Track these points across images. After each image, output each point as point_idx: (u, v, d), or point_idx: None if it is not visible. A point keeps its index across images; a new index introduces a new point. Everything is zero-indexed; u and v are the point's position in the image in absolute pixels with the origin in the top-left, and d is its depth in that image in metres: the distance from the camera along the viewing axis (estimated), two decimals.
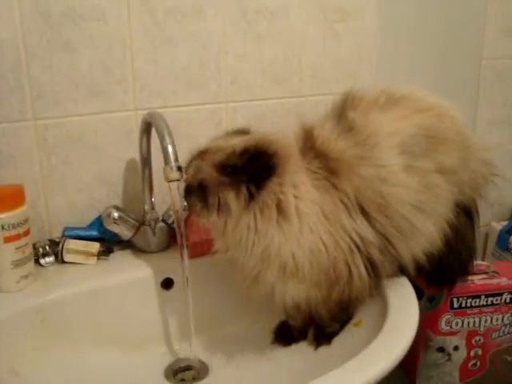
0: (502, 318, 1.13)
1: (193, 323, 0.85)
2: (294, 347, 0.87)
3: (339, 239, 0.74)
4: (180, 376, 0.87)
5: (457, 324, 1.12)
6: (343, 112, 0.80)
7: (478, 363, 1.17)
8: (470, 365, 1.17)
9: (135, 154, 0.94)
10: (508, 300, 1.12)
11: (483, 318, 1.13)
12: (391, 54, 1.14)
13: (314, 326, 0.86)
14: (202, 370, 0.87)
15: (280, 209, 0.72)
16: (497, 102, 1.30)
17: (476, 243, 0.95)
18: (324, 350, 0.84)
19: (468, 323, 1.13)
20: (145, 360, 0.87)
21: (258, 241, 0.73)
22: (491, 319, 1.13)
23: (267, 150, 0.72)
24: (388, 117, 0.78)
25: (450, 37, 1.21)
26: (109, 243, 0.95)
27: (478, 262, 1.17)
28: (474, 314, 1.12)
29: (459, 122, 0.84)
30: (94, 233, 0.94)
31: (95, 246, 0.92)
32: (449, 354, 1.15)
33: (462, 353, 1.15)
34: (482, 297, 1.11)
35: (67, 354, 0.83)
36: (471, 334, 1.14)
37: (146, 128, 0.88)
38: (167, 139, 0.78)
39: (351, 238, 0.74)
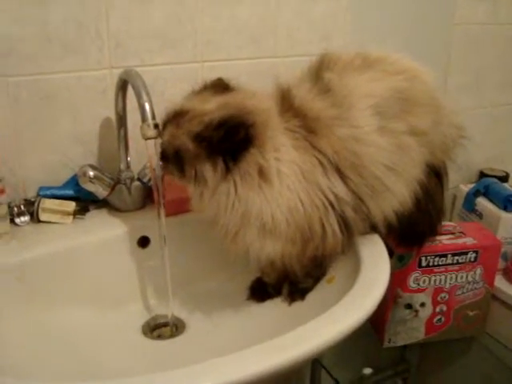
0: (466, 276, 1.19)
1: (170, 280, 0.86)
2: (269, 303, 0.90)
3: (315, 197, 0.76)
4: (157, 332, 0.89)
5: (424, 282, 1.17)
6: (319, 73, 0.80)
7: (443, 319, 1.22)
8: (435, 320, 1.22)
9: (110, 113, 0.93)
10: (472, 259, 1.17)
11: (449, 276, 1.18)
12: (364, 16, 1.15)
13: (289, 282, 0.89)
14: (179, 327, 0.89)
15: (262, 173, 0.73)
16: (467, 66, 1.32)
17: (444, 204, 0.98)
18: (298, 305, 0.87)
19: (435, 281, 1.17)
20: (122, 317, 0.89)
21: (238, 204, 0.74)
22: (456, 277, 1.18)
23: (245, 121, 0.72)
24: (363, 79, 0.79)
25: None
26: (85, 202, 0.95)
27: (446, 223, 1.22)
28: (441, 272, 1.17)
29: (432, 86, 0.85)
30: (70, 192, 0.94)
31: (71, 205, 0.92)
32: (416, 311, 1.20)
33: (428, 309, 1.21)
34: (449, 256, 1.16)
35: (43, 312, 0.83)
36: (437, 291, 1.19)
37: (122, 86, 0.87)
38: (144, 97, 0.78)
39: (326, 197, 0.76)
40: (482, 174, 1.40)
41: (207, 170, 0.73)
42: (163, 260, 0.84)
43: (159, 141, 0.77)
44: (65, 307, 0.85)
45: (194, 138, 0.73)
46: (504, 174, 1.40)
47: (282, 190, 0.73)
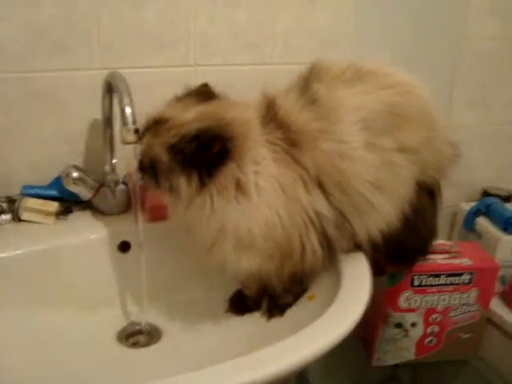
0: (460, 298, 1.15)
1: (146, 287, 0.85)
2: (248, 317, 0.88)
3: (295, 214, 0.73)
4: (133, 339, 0.87)
5: (416, 301, 1.14)
6: (308, 83, 0.78)
7: (434, 340, 1.19)
8: (426, 341, 1.19)
9: (99, 115, 0.92)
10: (467, 280, 1.13)
11: (442, 297, 1.14)
12: (369, 25, 1.11)
13: (268, 297, 0.86)
14: (155, 335, 0.87)
15: (239, 187, 0.71)
16: (474, 82, 1.28)
17: (437, 223, 0.95)
18: (276, 321, 0.84)
19: (427, 301, 1.14)
20: (98, 322, 0.87)
21: (214, 218, 0.72)
22: (450, 298, 1.15)
23: (222, 134, 0.70)
24: (353, 91, 0.77)
25: (433, 10, 1.18)
26: (68, 203, 0.94)
27: (442, 242, 1.18)
28: (434, 292, 1.13)
29: (426, 101, 0.82)
30: (54, 192, 0.93)
31: (53, 206, 0.90)
32: (406, 330, 1.17)
33: (419, 329, 1.17)
34: (443, 276, 1.12)
35: (19, 312, 0.82)
36: (429, 312, 1.15)
37: (108, 88, 0.86)
38: (125, 100, 0.76)
39: (306, 213, 0.74)
40: (486, 193, 1.36)
41: (181, 183, 0.71)
42: (140, 267, 0.83)
43: (139, 146, 0.76)
44: (42, 308, 0.84)
45: (169, 150, 0.71)
46: (508, 194, 1.36)
47: (260, 205, 0.71)
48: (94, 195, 0.92)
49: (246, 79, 1.03)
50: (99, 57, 0.91)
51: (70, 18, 0.87)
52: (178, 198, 0.72)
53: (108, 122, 0.90)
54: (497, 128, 1.36)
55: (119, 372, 0.80)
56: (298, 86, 0.79)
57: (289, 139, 0.73)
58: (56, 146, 0.93)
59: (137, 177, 0.79)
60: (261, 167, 0.72)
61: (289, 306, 0.84)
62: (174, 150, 0.71)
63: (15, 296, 0.83)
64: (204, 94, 0.80)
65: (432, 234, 0.95)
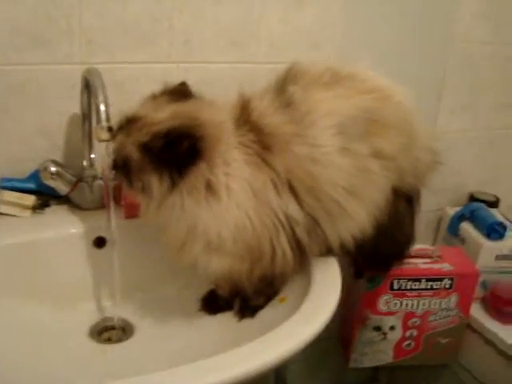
0: (440, 303, 1.15)
1: (120, 284, 0.85)
2: (220, 316, 0.88)
3: (265, 217, 0.73)
4: (105, 335, 0.87)
5: (395, 305, 1.14)
6: (284, 85, 0.77)
7: (413, 344, 1.19)
8: (404, 345, 1.19)
9: (78, 109, 0.91)
10: (448, 286, 1.14)
11: (421, 301, 1.14)
12: (356, 26, 1.10)
13: (241, 298, 0.86)
14: (127, 331, 0.87)
15: (209, 188, 0.71)
16: (462, 86, 1.27)
17: (415, 229, 0.94)
18: (248, 321, 0.84)
19: (406, 305, 1.14)
20: (72, 317, 0.87)
21: (183, 218, 0.72)
22: (429, 303, 1.15)
23: (191, 133, 0.70)
24: (329, 95, 0.76)
25: (422, 14, 1.17)
26: (45, 197, 0.94)
27: (424, 247, 1.18)
28: (413, 296, 1.14)
29: (405, 108, 0.81)
30: (32, 185, 0.93)
31: (30, 199, 0.91)
32: (384, 333, 1.17)
33: (398, 333, 1.17)
34: (423, 280, 1.12)
35: None
36: (408, 316, 1.15)
37: (86, 84, 0.85)
38: (100, 97, 0.76)
39: (277, 217, 0.73)
40: (472, 198, 1.35)
41: (153, 181, 0.71)
42: (113, 262, 0.83)
43: (111, 144, 0.76)
44: (16, 301, 0.84)
45: (140, 148, 0.71)
46: (494, 199, 1.35)
47: (229, 207, 0.71)
48: (72, 190, 0.92)
49: (228, 78, 1.02)
50: (80, 52, 0.90)
51: (51, 12, 0.86)
52: (150, 197, 0.72)
53: (86, 117, 0.89)
54: (484, 132, 1.35)
55: (90, 368, 0.80)
56: (274, 88, 0.78)
57: (261, 142, 0.73)
58: (35, 139, 0.93)
59: (110, 174, 0.79)
60: (231, 169, 0.72)
61: (260, 307, 0.84)
62: (145, 148, 0.71)
63: None
64: (181, 92, 0.80)
65: (409, 239, 0.95)
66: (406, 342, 1.19)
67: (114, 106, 0.76)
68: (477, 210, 1.26)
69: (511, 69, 1.30)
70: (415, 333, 1.18)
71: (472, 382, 1.24)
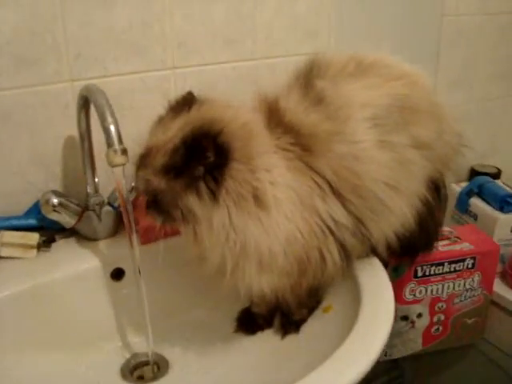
0: (464, 284, 1.13)
1: (148, 314, 0.77)
2: (260, 335, 0.82)
3: (313, 225, 0.67)
4: (138, 373, 0.80)
5: (420, 292, 1.11)
6: (310, 81, 0.71)
7: (441, 328, 1.16)
8: (432, 330, 1.16)
9: (74, 131, 0.83)
10: (470, 265, 1.11)
11: (446, 285, 1.11)
12: (350, 11, 1.05)
13: (281, 313, 0.81)
14: (162, 366, 0.81)
15: (257, 198, 0.64)
16: (456, 60, 1.24)
17: (443, 216, 0.91)
18: (292, 338, 0.79)
19: (431, 291, 1.11)
20: (97, 360, 0.80)
21: (235, 237, 0.64)
22: (454, 285, 1.12)
23: (209, 131, 0.62)
24: (358, 86, 0.71)
25: None
26: (49, 232, 0.85)
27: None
28: (438, 281, 1.10)
29: (431, 91, 0.78)
30: (32, 221, 0.84)
31: (34, 237, 0.82)
32: (412, 322, 1.14)
33: (425, 319, 1.14)
34: (446, 264, 1.09)
35: (9, 360, 0.74)
36: (434, 301, 1.12)
37: (84, 103, 0.77)
38: (109, 118, 0.68)
39: (325, 223, 0.68)
40: (474, 172, 1.33)
41: (191, 201, 0.63)
42: (139, 293, 0.75)
43: (128, 168, 0.68)
44: (32, 353, 0.76)
45: (163, 173, 0.64)
46: (496, 171, 1.34)
47: (279, 219, 0.65)
48: (78, 221, 0.84)
49: (227, 78, 0.95)
50: (68, 68, 0.82)
51: (32, 26, 0.77)
52: (194, 221, 0.64)
53: (85, 139, 0.81)
54: (480, 104, 1.33)
55: None
56: (299, 84, 0.72)
57: (300, 145, 0.67)
58: (29, 169, 0.84)
59: (128, 197, 0.71)
60: (275, 177, 0.65)
61: (304, 321, 0.79)
62: (168, 169, 0.64)
63: (3, 343, 0.74)
64: (188, 103, 0.71)
65: (438, 229, 0.91)
66: (434, 328, 1.16)
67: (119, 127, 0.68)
68: (485, 184, 1.24)
69: (500, 38, 1.28)
70: (442, 317, 1.15)
71: (499, 356, 1.23)
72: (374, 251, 0.78)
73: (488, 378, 1.28)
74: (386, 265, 1.06)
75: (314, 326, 0.78)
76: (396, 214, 0.73)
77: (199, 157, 0.62)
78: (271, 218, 0.64)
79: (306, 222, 0.66)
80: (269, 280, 0.69)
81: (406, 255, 0.97)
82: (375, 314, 0.69)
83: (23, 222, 0.83)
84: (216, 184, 0.62)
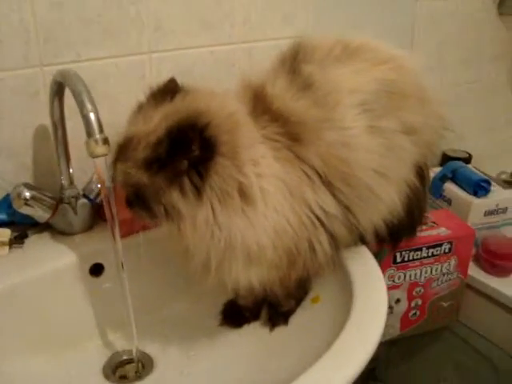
0: (441, 268, 1.13)
1: (132, 310, 0.74)
2: (247, 328, 0.80)
3: (303, 216, 0.65)
4: (120, 372, 0.77)
5: (399, 278, 1.11)
6: (296, 66, 0.69)
7: (418, 312, 1.17)
8: (410, 315, 1.17)
9: (45, 120, 0.78)
10: (447, 250, 1.12)
11: (424, 270, 1.12)
12: None
13: (268, 304, 0.79)
14: (146, 364, 0.77)
15: (243, 193, 0.61)
16: (429, 44, 1.24)
17: (427, 202, 0.90)
18: (281, 330, 0.77)
19: (410, 276, 1.11)
20: (78, 360, 0.76)
21: (220, 234, 0.62)
22: (431, 270, 1.13)
23: (195, 123, 0.59)
24: (347, 71, 0.69)
25: None
26: (21, 227, 0.80)
27: None
28: (416, 266, 1.11)
29: (417, 74, 0.76)
30: (2, 216, 0.79)
31: (6, 234, 0.77)
32: (391, 307, 1.14)
33: (403, 305, 1.15)
34: (424, 249, 1.10)
35: None
36: (412, 286, 1.13)
37: (58, 89, 0.72)
38: (88, 106, 0.64)
39: (314, 214, 0.66)
40: (446, 157, 1.34)
41: (175, 198, 0.60)
42: (122, 288, 0.72)
43: (109, 158, 0.64)
44: (12, 356, 0.72)
45: (145, 166, 0.61)
46: (467, 156, 1.35)
47: (267, 212, 0.62)
48: (53, 215, 0.79)
49: (204, 62, 0.92)
50: (38, 52, 0.77)
51: None
52: (178, 218, 0.61)
53: (59, 127, 0.76)
54: (450, 90, 1.33)
55: None
56: (285, 69, 0.69)
57: (288, 133, 0.65)
58: None
59: (110, 188, 0.67)
60: (262, 168, 0.63)
61: (292, 312, 0.78)
62: (150, 162, 0.61)
63: None
64: (170, 91, 0.67)
65: (422, 215, 0.91)
66: (412, 312, 1.16)
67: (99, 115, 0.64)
68: (458, 169, 1.25)
69: (471, 25, 1.28)
70: (420, 302, 1.16)
71: (473, 337, 1.25)
72: (362, 240, 0.77)
73: (462, 359, 1.30)
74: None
75: (302, 318, 0.77)
76: (385, 201, 0.72)
77: (184, 150, 0.59)
78: (258, 211, 0.62)
79: (296, 214, 0.64)
80: (257, 273, 0.67)
81: (389, 241, 0.97)
82: (369, 305, 0.68)
83: None
84: (201, 179, 0.60)
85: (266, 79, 0.69)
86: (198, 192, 0.60)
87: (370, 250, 1.03)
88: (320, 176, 0.65)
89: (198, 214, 0.61)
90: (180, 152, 0.60)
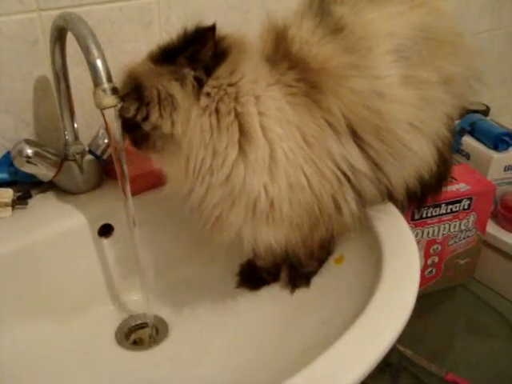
0: (460, 225, 1.10)
1: (143, 271, 0.70)
2: (266, 290, 0.76)
3: (325, 170, 0.60)
4: (134, 336, 0.74)
5: (417, 235, 1.07)
6: (326, 7, 0.62)
7: (434, 270, 1.14)
8: (426, 272, 1.14)
9: (46, 70, 0.72)
10: (466, 206, 1.08)
11: (442, 227, 1.08)
12: None
13: (288, 265, 0.75)
14: (160, 328, 0.74)
15: (241, 126, 0.57)
16: None
17: (452, 159, 0.85)
18: (301, 293, 0.73)
19: (428, 233, 1.08)
20: (88, 325, 0.72)
21: (216, 165, 0.58)
22: (449, 227, 1.09)
23: (214, 28, 0.56)
24: (381, 14, 0.62)
25: None
26: (24, 187, 0.75)
27: None
28: (434, 223, 1.07)
29: (454, 19, 0.70)
30: (4, 175, 0.74)
31: (8, 194, 0.72)
32: None
33: (421, 262, 1.11)
34: (443, 205, 1.06)
35: None
36: (430, 244, 1.10)
37: (59, 36, 0.66)
38: (94, 52, 0.58)
39: (339, 168, 0.61)
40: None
41: (173, 87, 0.57)
42: (134, 246, 0.68)
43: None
44: (17, 323, 0.68)
45: (154, 58, 0.59)
46: (485, 108, 1.29)
47: (275, 158, 0.58)
48: (58, 173, 0.74)
49: (217, 8, 0.85)
50: None
51: None
52: (171, 107, 0.57)
53: (61, 78, 0.70)
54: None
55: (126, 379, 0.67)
56: (313, 11, 0.63)
57: (308, 80, 0.59)
58: None
59: (121, 142, 0.61)
60: (268, 109, 0.58)
61: (314, 273, 0.74)
62: (160, 53, 0.59)
63: None
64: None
65: (448, 173, 0.86)
66: (428, 270, 1.13)
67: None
68: (477, 122, 1.19)
69: None
70: (436, 259, 1.12)
71: (488, 294, 1.22)
72: (390, 197, 0.72)
73: (476, 317, 1.28)
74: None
75: (325, 278, 0.73)
76: (419, 156, 0.67)
77: (197, 46, 0.57)
78: (260, 152, 0.57)
79: (316, 167, 0.59)
80: (274, 233, 0.62)
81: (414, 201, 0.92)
82: (401, 266, 0.63)
83: None
84: (207, 77, 0.57)
85: (290, 21, 0.63)
86: (199, 87, 0.57)
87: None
88: (347, 127, 0.60)
89: (194, 110, 0.57)
90: (192, 46, 0.57)
